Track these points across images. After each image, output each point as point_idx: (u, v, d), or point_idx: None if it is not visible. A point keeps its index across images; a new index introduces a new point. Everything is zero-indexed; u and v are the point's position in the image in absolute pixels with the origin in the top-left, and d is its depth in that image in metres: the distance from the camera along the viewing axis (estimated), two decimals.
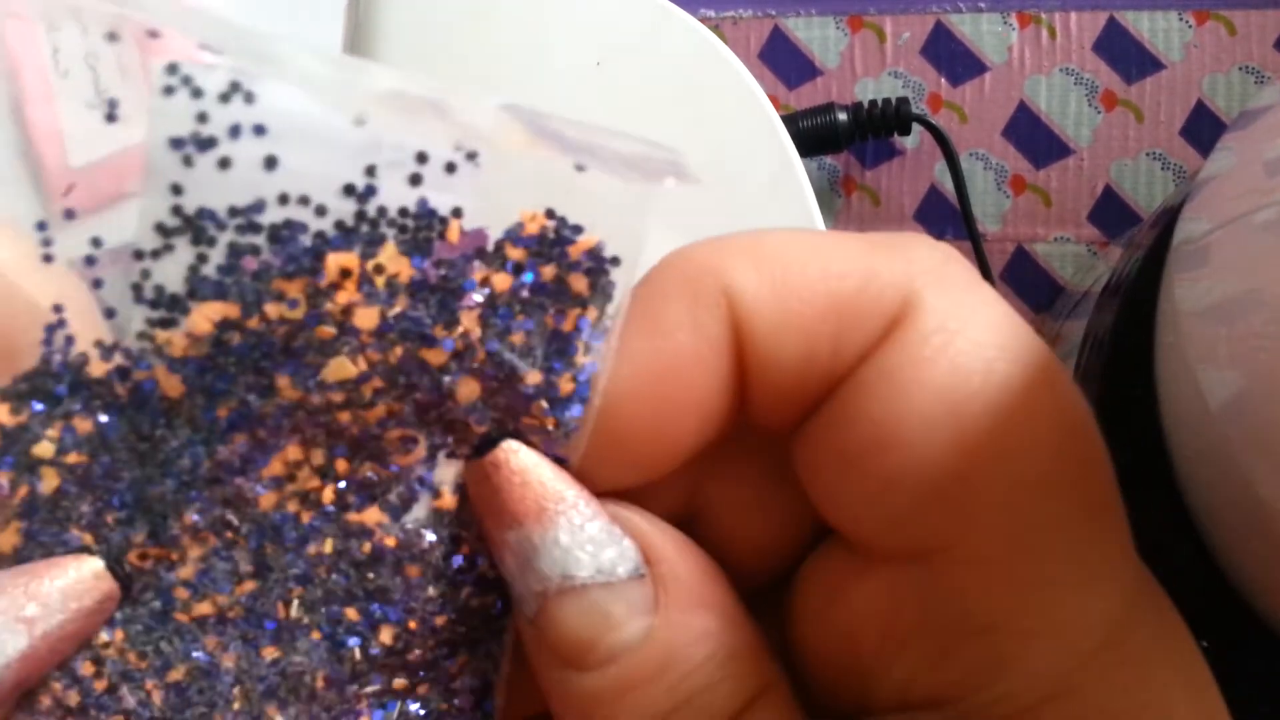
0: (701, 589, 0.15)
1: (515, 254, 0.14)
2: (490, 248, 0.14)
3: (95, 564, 0.14)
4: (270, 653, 0.15)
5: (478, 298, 0.14)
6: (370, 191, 0.14)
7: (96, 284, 0.14)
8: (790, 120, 0.40)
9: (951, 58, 0.42)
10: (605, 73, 0.32)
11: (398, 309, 0.14)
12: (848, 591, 0.15)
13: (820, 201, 0.33)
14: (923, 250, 0.15)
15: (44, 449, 0.14)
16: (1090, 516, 0.14)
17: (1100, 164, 0.41)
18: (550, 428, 0.15)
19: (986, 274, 0.39)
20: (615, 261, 0.15)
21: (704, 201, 0.32)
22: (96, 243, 0.14)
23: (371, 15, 0.32)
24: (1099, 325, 0.27)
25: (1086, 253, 0.41)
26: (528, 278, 0.14)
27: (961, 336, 0.14)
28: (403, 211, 0.14)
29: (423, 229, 0.14)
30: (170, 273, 0.14)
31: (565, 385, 0.15)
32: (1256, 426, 0.18)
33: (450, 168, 0.14)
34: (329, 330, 0.14)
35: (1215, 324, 0.19)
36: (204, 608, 0.15)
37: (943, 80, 0.42)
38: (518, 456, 0.15)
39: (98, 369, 0.14)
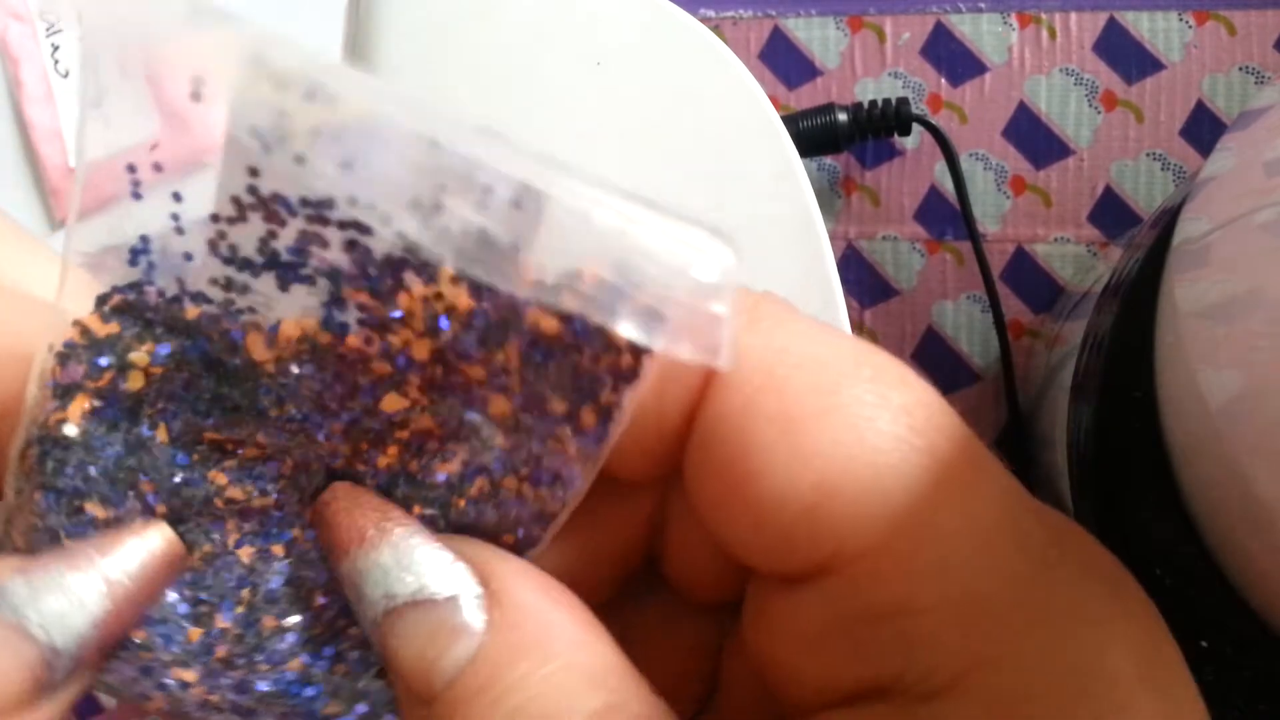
0: (535, 606, 0.15)
1: (570, 302, 0.14)
2: (544, 289, 0.14)
3: (165, 529, 0.16)
4: (279, 550, 0.16)
5: (525, 335, 0.14)
6: (437, 210, 0.14)
7: (178, 230, 0.15)
8: (790, 120, 0.40)
9: (951, 58, 0.42)
10: (605, 73, 0.32)
11: (449, 337, 0.15)
12: (767, 607, 0.16)
13: (820, 202, 0.33)
14: (739, 297, 0.15)
15: (139, 356, 0.15)
16: (964, 482, 0.15)
17: (1100, 164, 0.41)
18: (571, 452, 0.15)
19: (986, 274, 0.39)
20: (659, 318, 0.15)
21: (704, 202, 0.32)
22: (178, 197, 0.16)
23: (372, 15, 0.32)
24: (1099, 326, 0.27)
25: (1086, 253, 0.41)
26: (576, 326, 0.14)
27: (778, 373, 0.15)
28: (465, 235, 0.14)
29: (483, 257, 0.14)
30: (244, 237, 0.15)
31: (588, 418, 0.15)
32: (1256, 427, 0.18)
33: (517, 204, 0.14)
34: (386, 368, 0.15)
35: (1215, 324, 0.19)
36: (235, 493, 0.16)
37: (943, 81, 0.42)
38: (344, 490, 0.16)
39: (191, 311, 0.15)
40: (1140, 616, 0.15)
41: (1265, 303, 0.18)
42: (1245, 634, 0.21)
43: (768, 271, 0.31)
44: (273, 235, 0.15)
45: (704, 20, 0.40)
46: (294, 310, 0.15)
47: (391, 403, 0.15)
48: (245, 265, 0.15)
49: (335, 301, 0.15)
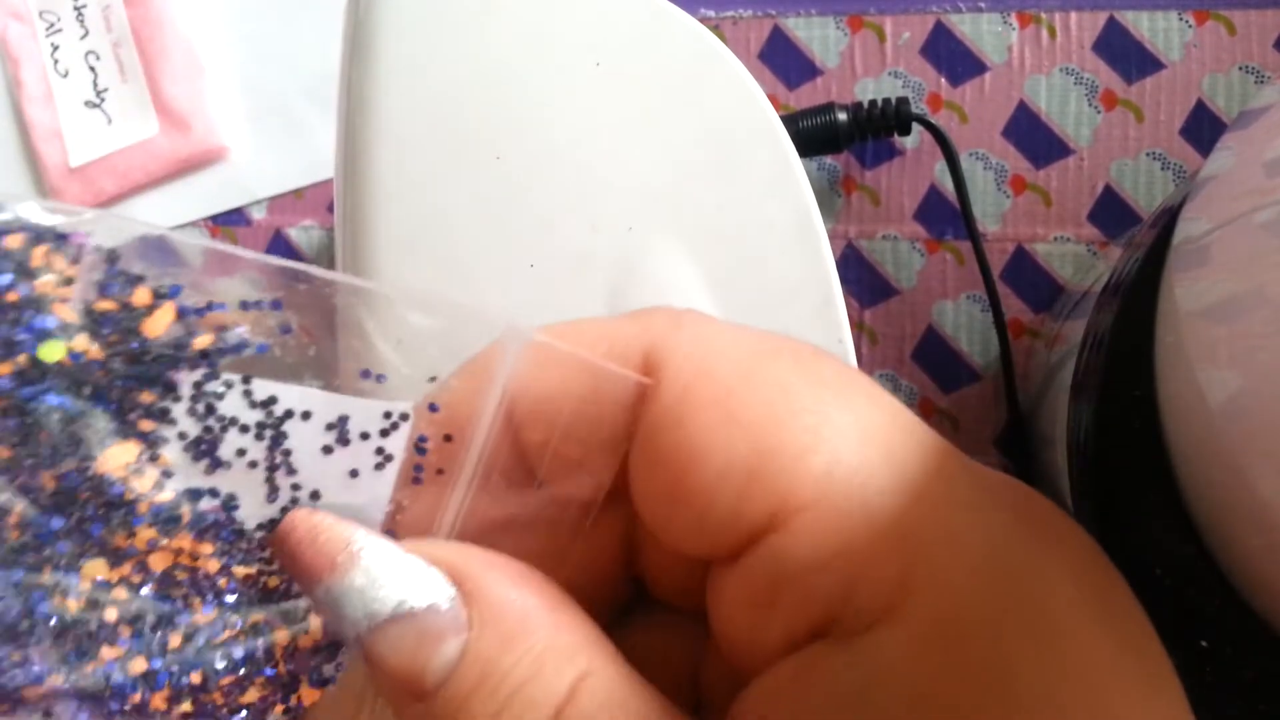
0: (510, 595, 0.16)
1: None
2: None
3: None
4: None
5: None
6: None
7: None
8: (790, 120, 0.40)
9: (951, 57, 0.42)
10: (605, 73, 0.32)
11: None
12: (721, 584, 0.17)
13: (820, 202, 0.33)
14: (658, 313, 0.17)
15: None
16: (885, 429, 0.16)
17: (1100, 164, 0.41)
18: None
19: (986, 273, 0.39)
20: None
21: (704, 204, 0.32)
22: None
23: (372, 15, 0.32)
24: (1099, 325, 0.27)
25: (1086, 252, 0.41)
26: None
27: (707, 364, 0.16)
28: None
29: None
30: None
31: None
32: (1256, 426, 0.18)
33: None
34: None
35: (1215, 324, 0.19)
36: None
37: (943, 80, 0.42)
38: (303, 517, 0.16)
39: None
40: (1077, 549, 0.16)
41: (1265, 302, 0.18)
42: (1245, 634, 0.21)
43: (767, 271, 0.31)
44: None
45: (704, 20, 0.40)
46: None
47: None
48: None
49: None
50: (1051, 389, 0.33)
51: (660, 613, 0.19)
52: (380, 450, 0.16)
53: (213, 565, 0.16)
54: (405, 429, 0.16)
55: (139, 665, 0.16)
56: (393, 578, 0.15)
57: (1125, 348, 0.25)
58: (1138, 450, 0.23)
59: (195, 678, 0.16)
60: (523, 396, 0.16)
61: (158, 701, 0.16)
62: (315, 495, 0.16)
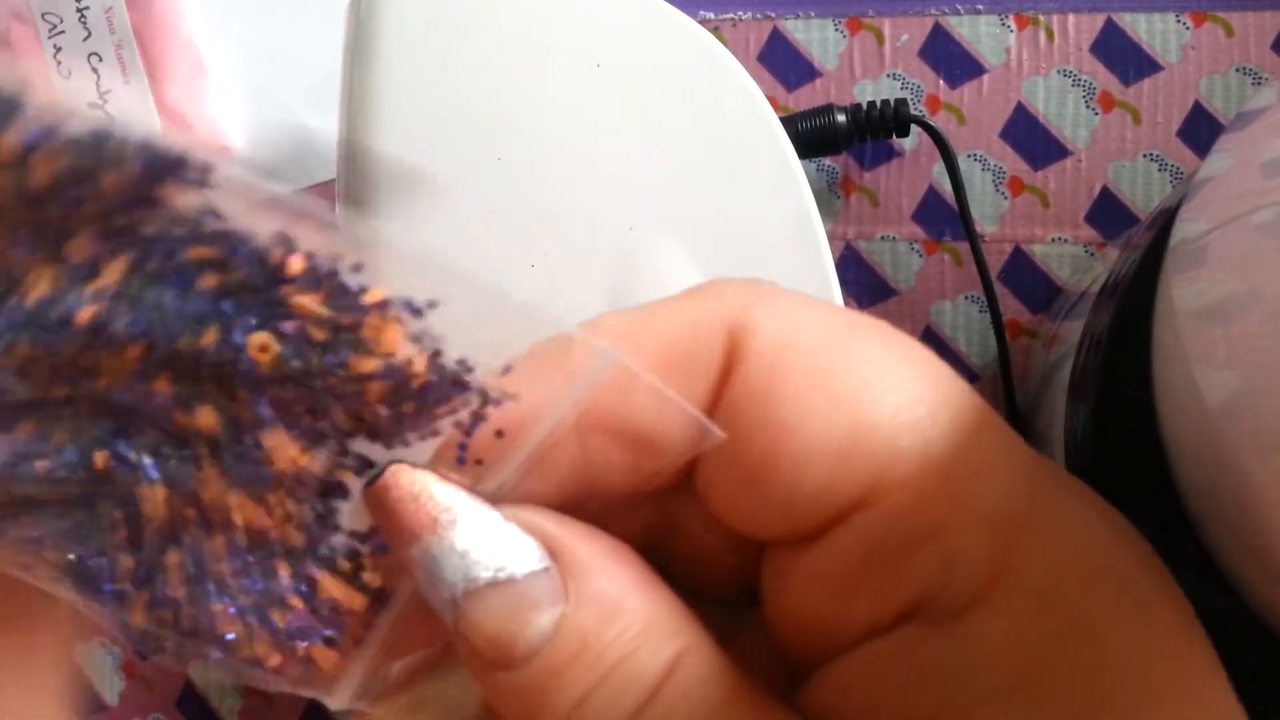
0: (607, 570, 0.16)
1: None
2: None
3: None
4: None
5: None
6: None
7: None
8: (789, 122, 0.40)
9: (950, 59, 0.42)
10: (604, 74, 0.32)
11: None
12: (792, 567, 0.16)
13: (819, 203, 0.33)
14: (732, 285, 0.17)
15: None
16: (974, 418, 0.16)
17: (1098, 165, 0.41)
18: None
19: (984, 274, 0.39)
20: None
21: (704, 204, 0.32)
22: None
23: (373, 15, 0.32)
24: (1096, 325, 0.27)
25: (1084, 253, 0.41)
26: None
27: (794, 337, 0.16)
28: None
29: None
30: None
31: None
32: (1254, 426, 0.18)
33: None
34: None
35: (1212, 324, 0.20)
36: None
37: (941, 82, 0.42)
38: (406, 475, 0.16)
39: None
40: (1132, 531, 0.16)
41: (1262, 302, 0.18)
42: (1244, 634, 0.21)
43: (767, 272, 0.31)
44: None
45: (703, 22, 0.40)
46: None
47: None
48: None
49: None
50: (1049, 389, 0.33)
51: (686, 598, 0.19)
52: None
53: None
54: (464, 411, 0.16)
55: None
56: (492, 543, 0.15)
57: (1123, 348, 0.25)
58: (1135, 450, 0.23)
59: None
60: (593, 411, 0.16)
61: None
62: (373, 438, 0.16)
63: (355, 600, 0.16)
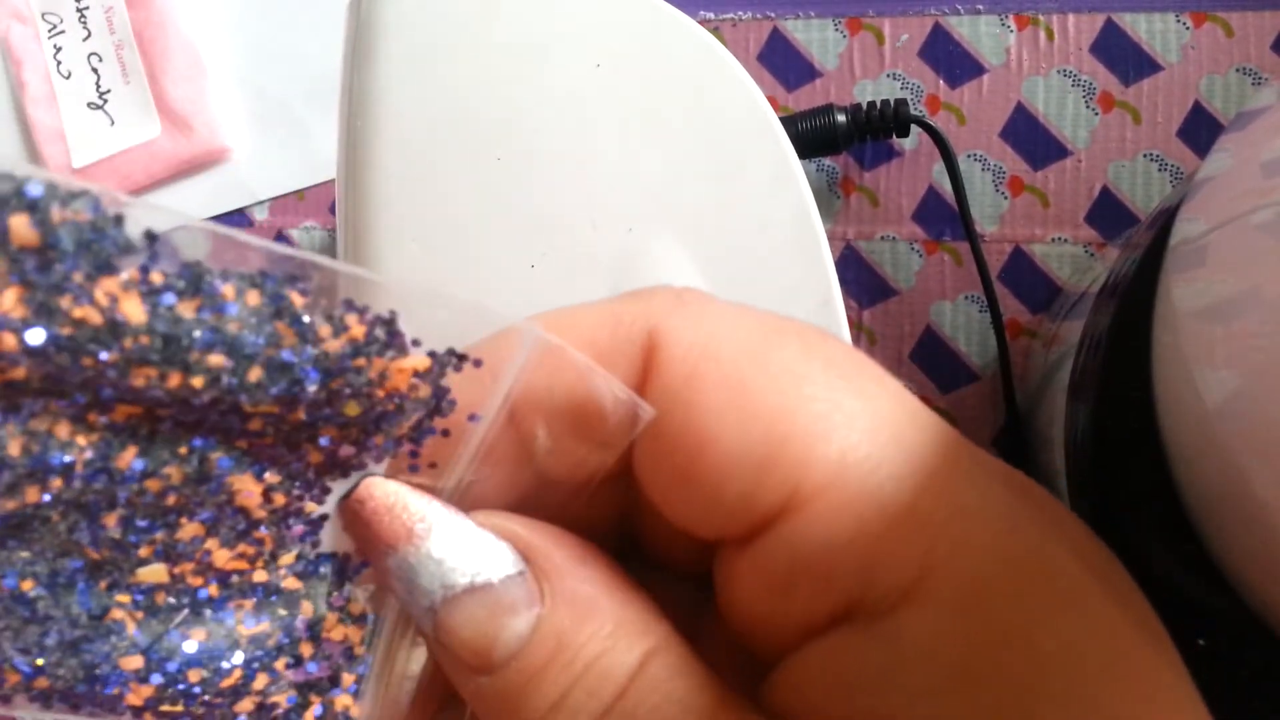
0: (579, 571, 0.16)
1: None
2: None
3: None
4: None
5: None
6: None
7: None
8: (789, 122, 0.40)
9: (950, 59, 0.42)
10: (604, 74, 0.32)
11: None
12: (733, 567, 0.17)
13: (819, 203, 0.33)
14: (660, 291, 0.17)
15: None
16: (894, 414, 0.16)
17: (1098, 165, 0.41)
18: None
19: (984, 274, 0.39)
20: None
21: (704, 204, 0.32)
22: None
23: (373, 15, 0.32)
24: (1096, 325, 0.27)
25: (1084, 253, 0.41)
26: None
27: (712, 346, 0.16)
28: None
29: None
30: None
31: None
32: (1253, 426, 0.18)
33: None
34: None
35: (1212, 324, 0.20)
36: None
37: (941, 82, 0.42)
38: (379, 487, 0.16)
39: None
40: (1071, 523, 0.16)
41: (1262, 302, 0.18)
42: (1244, 634, 0.21)
43: (767, 272, 0.31)
44: None
45: (703, 22, 0.40)
46: None
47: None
48: None
49: None
50: (1049, 389, 0.33)
51: (654, 578, 0.19)
52: None
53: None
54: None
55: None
56: (468, 550, 0.16)
57: (1123, 348, 0.25)
58: (1135, 450, 0.23)
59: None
60: (527, 394, 0.16)
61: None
62: None
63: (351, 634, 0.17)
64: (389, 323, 0.15)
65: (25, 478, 0.14)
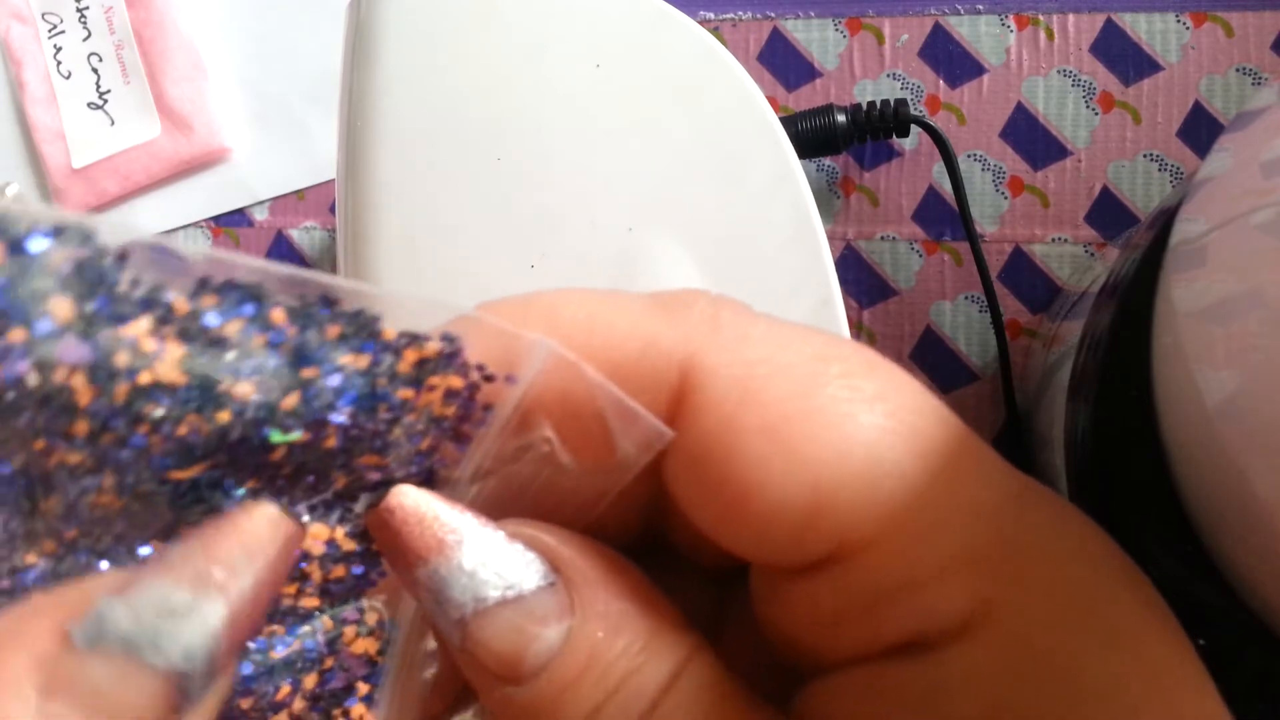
0: (610, 583, 0.16)
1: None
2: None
3: (269, 510, 0.15)
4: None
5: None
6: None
7: None
8: (789, 122, 0.40)
9: (950, 59, 0.42)
10: (604, 74, 0.32)
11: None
12: (775, 592, 0.16)
13: (819, 203, 0.33)
14: (698, 307, 0.16)
15: None
16: (944, 454, 0.15)
17: (1098, 165, 0.41)
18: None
19: (984, 274, 0.39)
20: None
21: (704, 204, 0.32)
22: None
23: (373, 15, 0.32)
24: (1096, 325, 0.27)
25: (1084, 253, 0.41)
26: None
27: (752, 388, 0.15)
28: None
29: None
30: None
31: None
32: (1253, 426, 0.18)
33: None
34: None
35: (1212, 324, 0.20)
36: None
37: (941, 82, 0.42)
38: (410, 497, 0.16)
39: None
40: (1115, 552, 0.16)
41: (1262, 303, 0.18)
42: (1244, 634, 0.21)
43: (767, 272, 0.31)
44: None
45: (703, 22, 0.40)
46: None
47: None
48: None
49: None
50: (1049, 389, 0.33)
51: (678, 575, 0.18)
52: None
53: None
54: None
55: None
56: (499, 562, 0.15)
57: (1123, 348, 0.25)
58: (1135, 450, 0.23)
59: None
60: (539, 406, 0.16)
61: None
62: None
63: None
64: (452, 345, 0.15)
65: None
